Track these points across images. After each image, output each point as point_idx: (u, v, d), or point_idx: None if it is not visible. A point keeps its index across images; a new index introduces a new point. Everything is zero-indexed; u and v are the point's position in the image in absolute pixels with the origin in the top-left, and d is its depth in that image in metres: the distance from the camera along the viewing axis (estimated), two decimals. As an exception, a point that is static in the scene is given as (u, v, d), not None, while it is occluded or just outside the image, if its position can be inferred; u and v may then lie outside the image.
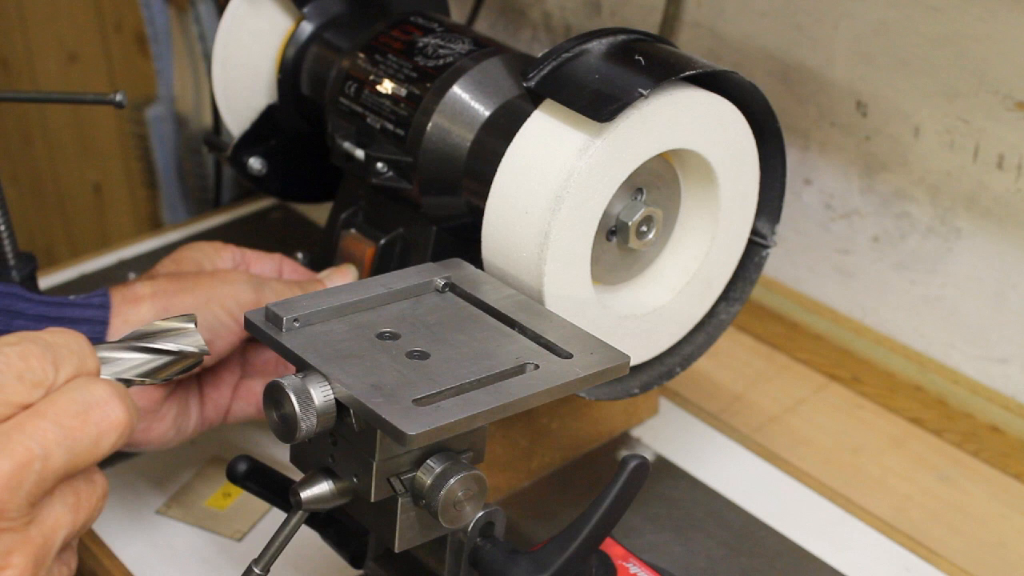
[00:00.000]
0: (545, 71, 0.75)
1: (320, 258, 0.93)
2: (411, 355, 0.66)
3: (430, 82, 0.85)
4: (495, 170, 0.76)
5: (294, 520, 0.67)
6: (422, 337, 0.68)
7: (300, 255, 0.93)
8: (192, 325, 0.60)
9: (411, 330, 0.68)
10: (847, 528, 0.91)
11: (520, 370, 0.65)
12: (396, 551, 0.66)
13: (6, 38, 1.68)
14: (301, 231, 1.25)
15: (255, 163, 0.99)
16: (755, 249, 0.87)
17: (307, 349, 0.65)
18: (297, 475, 0.68)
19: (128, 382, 0.57)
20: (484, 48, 0.87)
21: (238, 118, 0.99)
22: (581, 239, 0.75)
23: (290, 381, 0.62)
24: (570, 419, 0.94)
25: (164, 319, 0.59)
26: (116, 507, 0.91)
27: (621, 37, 0.78)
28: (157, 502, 0.92)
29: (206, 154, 1.53)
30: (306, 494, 0.66)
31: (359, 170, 0.88)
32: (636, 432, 0.99)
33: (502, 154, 0.76)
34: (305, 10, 0.96)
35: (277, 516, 0.77)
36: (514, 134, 0.76)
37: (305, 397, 0.61)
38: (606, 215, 0.76)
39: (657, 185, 0.80)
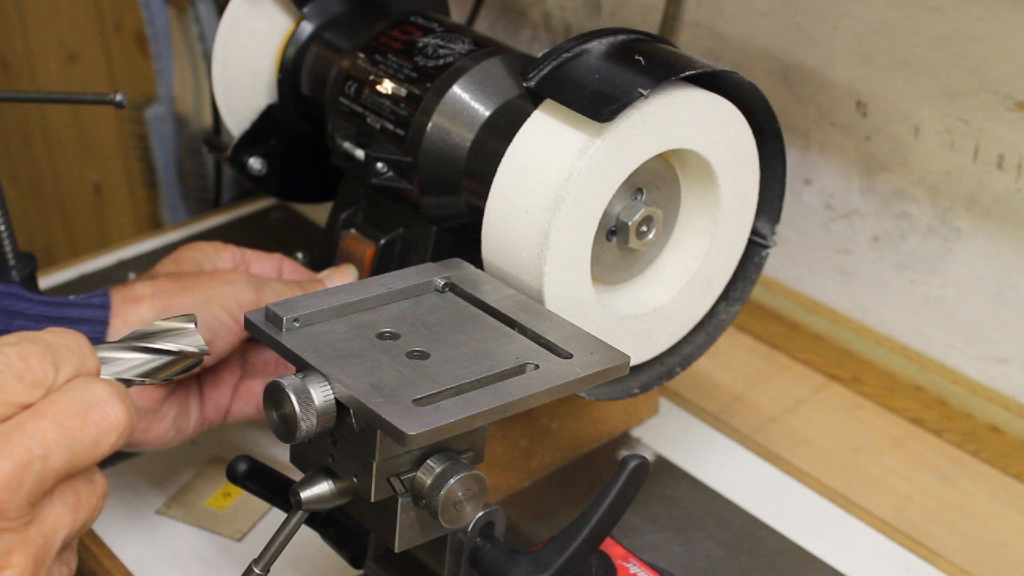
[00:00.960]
0: (545, 71, 0.75)
1: (320, 258, 0.93)
2: (411, 355, 0.66)
3: (430, 82, 0.85)
4: (495, 170, 0.76)
5: (294, 520, 0.67)
6: (422, 337, 0.68)
7: (300, 255, 0.93)
8: (192, 325, 0.60)
9: (411, 330, 0.68)
10: (847, 528, 0.91)
11: (520, 370, 0.65)
12: (396, 551, 0.66)
13: (6, 38, 1.69)
14: (301, 231, 1.25)
15: (255, 163, 0.99)
16: (755, 249, 0.87)
17: (307, 349, 0.65)
18: (297, 475, 0.68)
19: (128, 382, 0.57)
20: (484, 48, 0.87)
21: (238, 118, 0.99)
22: (581, 239, 0.75)
23: (290, 381, 0.62)
24: (570, 419, 0.94)
25: (164, 319, 0.59)
26: (116, 507, 0.91)
27: (621, 37, 0.78)
28: (157, 502, 0.92)
29: (206, 154, 1.53)
30: (306, 494, 0.66)
31: (359, 170, 0.88)
32: (636, 432, 0.99)
33: (502, 154, 0.76)
34: (305, 10, 0.96)
35: (277, 516, 0.77)
36: (514, 134, 0.76)
37: (305, 397, 0.61)
38: (606, 215, 0.76)
39: (657, 185, 0.80)
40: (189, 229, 1.26)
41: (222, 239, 0.89)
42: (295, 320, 0.66)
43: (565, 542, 0.63)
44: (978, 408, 1.02)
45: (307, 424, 0.62)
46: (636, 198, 0.78)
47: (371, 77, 0.89)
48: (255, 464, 0.73)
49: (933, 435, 1.01)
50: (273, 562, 0.66)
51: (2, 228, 0.87)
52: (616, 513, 0.64)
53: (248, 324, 0.67)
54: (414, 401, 0.61)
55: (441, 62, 0.86)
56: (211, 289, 0.80)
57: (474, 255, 0.78)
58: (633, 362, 0.75)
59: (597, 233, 0.76)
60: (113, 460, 0.92)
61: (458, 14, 1.26)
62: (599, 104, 0.72)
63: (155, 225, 1.66)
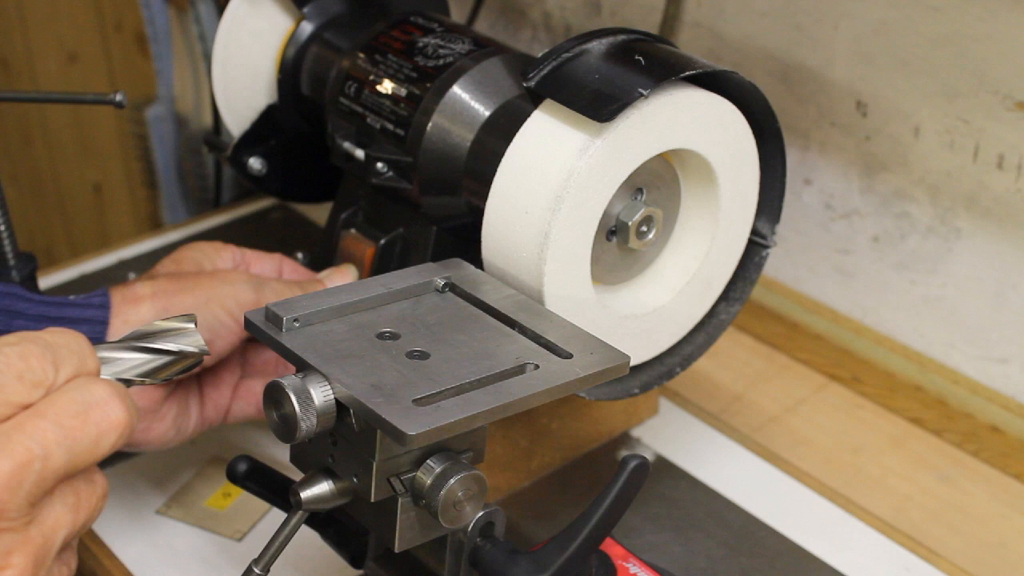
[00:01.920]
0: (545, 71, 0.75)
1: (320, 258, 0.93)
2: (411, 355, 0.66)
3: (430, 82, 0.85)
4: (495, 170, 0.76)
5: (294, 520, 0.67)
6: (422, 337, 0.68)
7: (300, 255, 0.93)
8: (192, 325, 0.60)
9: (411, 330, 0.68)
10: (847, 528, 0.91)
11: (520, 370, 0.65)
12: (396, 551, 0.66)
13: (6, 38, 1.69)
14: (301, 231, 1.25)
15: (255, 163, 0.99)
16: (755, 249, 0.87)
17: (307, 349, 0.65)
18: (297, 475, 0.68)
19: (128, 382, 0.57)
20: (484, 48, 0.87)
21: (238, 118, 0.99)
22: (581, 239, 0.75)
23: (290, 381, 0.62)
24: (570, 419, 0.94)
25: (164, 319, 0.59)
26: (116, 507, 0.91)
27: (621, 37, 0.78)
28: (157, 502, 0.92)
29: (206, 154, 1.53)
30: (306, 494, 0.66)
31: (359, 170, 0.88)
32: (636, 432, 0.99)
33: (502, 154, 0.76)
34: (305, 10, 0.96)
35: (277, 516, 0.77)
36: (514, 134, 0.76)
37: (305, 397, 0.61)
38: (606, 215, 0.76)
39: (657, 185, 0.80)
40: (189, 229, 1.26)
41: (222, 239, 0.89)
42: (295, 320, 0.66)
43: (565, 542, 0.63)
44: (978, 408, 1.02)
45: (307, 424, 0.62)
46: (636, 198, 0.78)
47: (371, 77, 0.89)
48: (255, 464, 0.73)
49: (933, 435, 1.01)
50: (273, 562, 0.66)
51: (2, 228, 0.87)
52: (616, 513, 0.64)
53: (248, 324, 0.67)
54: (414, 401, 0.61)
55: (441, 62, 0.86)
56: (211, 289, 0.80)
57: (474, 255, 0.78)
58: (633, 362, 0.75)
59: (597, 233, 0.76)
60: (113, 460, 0.92)
61: (458, 14, 1.26)
62: (599, 104, 0.72)
63: (155, 225, 1.66)
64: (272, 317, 0.67)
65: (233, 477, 0.73)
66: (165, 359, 0.58)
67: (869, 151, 1.05)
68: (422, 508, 0.64)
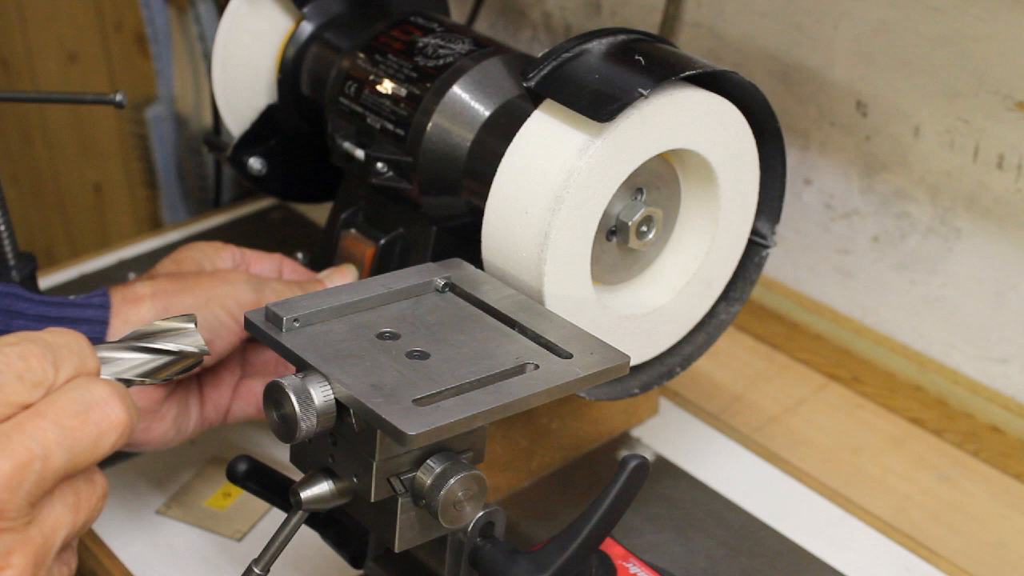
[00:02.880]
0: (545, 71, 0.75)
1: (320, 258, 0.93)
2: (411, 355, 0.66)
3: (430, 82, 0.85)
4: (495, 170, 0.76)
5: (294, 520, 0.66)
6: (422, 337, 0.68)
7: (300, 255, 0.93)
8: (192, 325, 0.60)
9: (411, 330, 0.68)
10: (847, 528, 0.91)
11: (520, 370, 0.65)
12: (396, 551, 0.66)
13: (6, 38, 1.69)
14: (301, 231, 1.25)
15: (255, 163, 0.99)
16: (755, 249, 0.87)
17: (307, 349, 0.65)
18: (297, 475, 0.68)
19: (128, 382, 0.57)
20: (484, 48, 0.87)
21: (238, 118, 0.99)
22: (581, 239, 0.75)
23: (290, 381, 0.62)
24: (570, 419, 0.94)
25: (164, 319, 0.59)
26: (116, 507, 0.91)
27: (621, 37, 0.78)
28: (157, 502, 0.92)
29: (206, 154, 1.53)
30: (306, 494, 0.66)
31: (359, 170, 0.88)
32: (636, 432, 0.99)
33: (502, 154, 0.76)
34: (305, 10, 0.96)
35: (277, 516, 0.77)
36: (514, 134, 0.76)
37: (305, 397, 0.61)
38: (606, 215, 0.76)
39: (657, 185, 0.80)
40: (189, 229, 1.26)
41: (222, 239, 0.89)
42: (295, 320, 0.66)
43: (565, 542, 0.63)
44: (978, 408, 1.02)
45: (307, 424, 0.62)
46: (636, 198, 0.78)
47: (371, 77, 0.89)
48: (255, 464, 0.73)
49: (933, 435, 1.01)
50: (273, 562, 0.66)
51: (2, 228, 0.87)
52: (616, 513, 0.64)
53: (248, 324, 0.67)
54: (414, 401, 0.61)
55: (441, 62, 0.86)
56: (211, 289, 0.80)
57: (474, 255, 0.78)
58: (633, 362, 0.75)
59: (597, 233, 0.76)
60: (113, 460, 0.92)
61: (458, 14, 1.26)
62: (599, 104, 0.72)
63: (155, 225, 1.66)
64: (272, 317, 0.67)
65: (233, 477, 0.73)
66: (165, 359, 0.58)
67: (869, 151, 1.05)
68: (422, 508, 0.64)
